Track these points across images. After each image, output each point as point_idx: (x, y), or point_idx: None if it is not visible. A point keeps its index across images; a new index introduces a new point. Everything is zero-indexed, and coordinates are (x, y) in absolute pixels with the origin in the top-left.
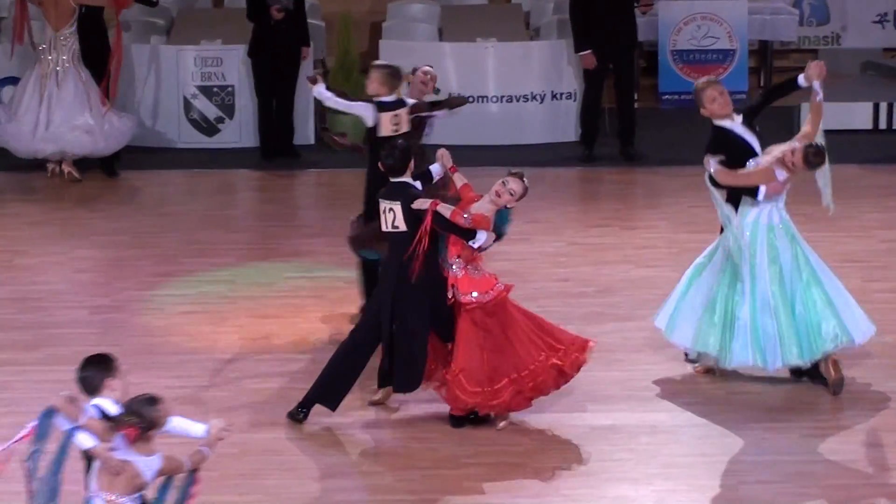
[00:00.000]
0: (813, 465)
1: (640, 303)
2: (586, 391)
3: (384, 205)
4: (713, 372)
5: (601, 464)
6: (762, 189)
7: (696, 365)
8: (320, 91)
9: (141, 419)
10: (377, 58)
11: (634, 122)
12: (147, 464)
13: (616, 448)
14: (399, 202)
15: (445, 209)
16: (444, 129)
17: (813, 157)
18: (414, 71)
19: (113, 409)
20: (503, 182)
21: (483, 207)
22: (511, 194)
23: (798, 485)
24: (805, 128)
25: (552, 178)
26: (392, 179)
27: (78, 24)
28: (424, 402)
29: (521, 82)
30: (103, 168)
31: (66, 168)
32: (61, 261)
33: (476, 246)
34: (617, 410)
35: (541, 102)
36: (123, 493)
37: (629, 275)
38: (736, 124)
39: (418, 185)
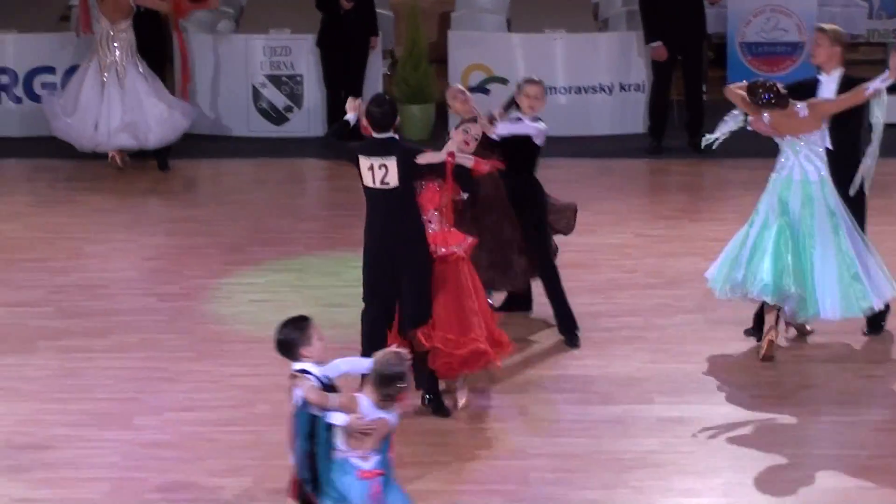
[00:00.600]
0: (884, 460)
1: (708, 295)
2: (655, 383)
3: (373, 161)
4: (772, 359)
5: (669, 456)
6: (748, 118)
7: (761, 346)
8: (501, 126)
9: (408, 382)
10: (445, 48)
11: (703, 114)
12: (393, 416)
13: (684, 440)
14: (395, 157)
15: (466, 159)
16: None
17: (755, 86)
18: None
19: (317, 371)
20: (464, 130)
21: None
22: (476, 139)
23: (868, 479)
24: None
25: (620, 170)
26: (376, 135)
27: (133, 18)
28: (492, 391)
29: (589, 74)
30: (157, 160)
31: (116, 155)
32: (130, 248)
33: (466, 197)
34: (685, 402)
35: (609, 94)
36: (374, 448)
37: (697, 267)
38: (826, 77)
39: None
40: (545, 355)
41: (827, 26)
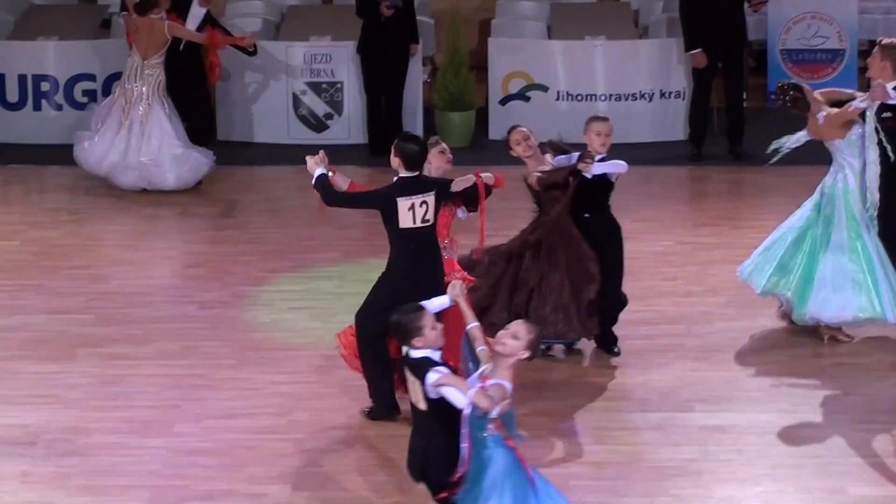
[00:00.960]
0: None
1: (748, 303)
2: (694, 391)
3: (414, 200)
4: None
5: (709, 464)
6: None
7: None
8: (596, 165)
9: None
10: (486, 56)
11: (743, 121)
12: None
13: (724, 448)
14: (434, 192)
15: (489, 178)
16: (552, 129)
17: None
18: None
19: (436, 357)
20: (441, 152)
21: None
22: (451, 156)
23: None
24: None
25: (660, 177)
26: (407, 174)
27: (167, 53)
28: (531, 399)
29: (629, 81)
30: None
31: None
32: (170, 255)
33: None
34: (725, 410)
35: (649, 101)
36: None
37: (737, 274)
38: (889, 89)
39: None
40: (584, 363)
41: (886, 41)
